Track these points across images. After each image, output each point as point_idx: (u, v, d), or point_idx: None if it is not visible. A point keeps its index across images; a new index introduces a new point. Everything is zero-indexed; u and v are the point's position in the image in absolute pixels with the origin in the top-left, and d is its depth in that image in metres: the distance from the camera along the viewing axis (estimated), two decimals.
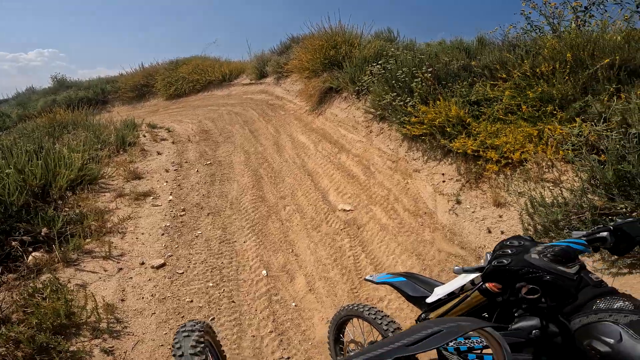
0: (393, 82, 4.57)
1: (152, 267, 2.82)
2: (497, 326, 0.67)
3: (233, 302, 2.60)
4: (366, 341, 1.69)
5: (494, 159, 2.95)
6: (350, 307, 1.63)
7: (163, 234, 3.26)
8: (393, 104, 4.30)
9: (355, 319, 1.73)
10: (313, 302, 2.59)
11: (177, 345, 1.18)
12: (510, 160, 2.93)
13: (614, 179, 2.14)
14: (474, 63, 4.39)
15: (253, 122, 6.81)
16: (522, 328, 0.94)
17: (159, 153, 5.21)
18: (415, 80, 4.33)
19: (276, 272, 2.90)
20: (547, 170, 2.75)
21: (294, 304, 2.57)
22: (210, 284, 2.74)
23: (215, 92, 10.98)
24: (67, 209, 3.43)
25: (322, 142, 5.01)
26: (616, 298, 0.60)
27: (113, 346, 2.09)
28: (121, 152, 5.00)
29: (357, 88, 5.44)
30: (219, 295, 2.65)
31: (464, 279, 1.13)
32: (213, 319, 2.44)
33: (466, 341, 1.07)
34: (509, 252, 0.75)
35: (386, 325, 1.54)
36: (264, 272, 2.88)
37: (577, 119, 2.82)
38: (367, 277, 1.60)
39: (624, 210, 2.16)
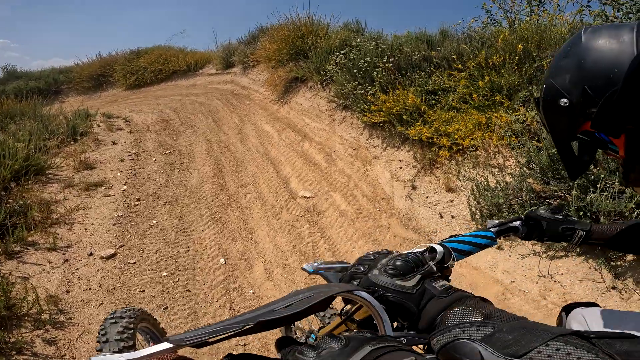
0: (355, 71, 4.62)
1: (102, 257, 2.72)
2: (364, 290, 0.60)
3: (188, 290, 2.56)
4: (307, 330, 1.65)
5: (446, 146, 3.07)
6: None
7: (115, 224, 3.14)
8: (354, 93, 4.34)
9: None
10: (271, 289, 2.60)
11: (103, 332, 1.14)
12: (461, 147, 3.05)
13: (548, 163, 2.29)
14: (433, 54, 4.51)
15: (217, 112, 6.66)
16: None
17: (114, 143, 4.99)
18: (377, 69, 4.40)
19: (235, 260, 2.88)
20: (493, 156, 2.89)
21: (251, 291, 2.57)
22: (165, 274, 2.68)
23: (179, 82, 10.65)
24: (10, 201, 3.23)
25: (286, 131, 4.99)
26: (465, 309, 0.53)
27: (56, 337, 2.01)
28: (72, 142, 4.74)
29: (321, 78, 5.45)
30: (173, 284, 2.60)
31: None
32: (166, 308, 2.39)
33: None
34: (361, 269, 0.67)
35: (323, 312, 1.55)
36: (222, 260, 2.85)
37: (522, 108, 2.98)
38: (304, 266, 1.59)
39: (558, 193, 2.32)
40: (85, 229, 3.03)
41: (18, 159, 3.58)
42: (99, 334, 1.14)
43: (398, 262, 0.62)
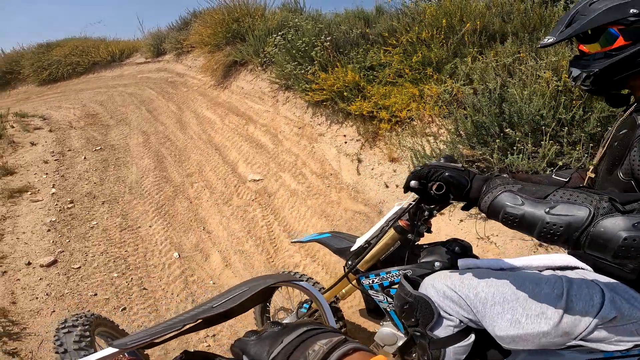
0: (294, 52, 4.59)
1: (41, 265, 2.55)
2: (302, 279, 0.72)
3: (145, 289, 2.48)
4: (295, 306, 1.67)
5: (385, 119, 3.24)
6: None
7: (49, 230, 2.90)
8: (295, 73, 4.34)
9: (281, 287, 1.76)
10: (231, 277, 2.59)
11: (58, 343, 1.10)
12: (399, 119, 3.24)
13: (473, 129, 2.53)
14: (368, 31, 4.63)
15: (151, 102, 6.25)
16: (427, 261, 1.13)
17: (33, 144, 4.49)
18: (315, 49, 4.42)
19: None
20: (428, 125, 3.12)
21: (212, 282, 2.55)
22: (115, 275, 2.56)
23: (103, 74, 9.80)
24: None
25: (229, 116, 4.86)
26: (501, 177, 0.77)
27: (16, 347, 1.91)
28: None
29: (261, 60, 5.35)
30: (127, 284, 2.50)
31: (380, 223, 1.24)
32: (124, 309, 2.31)
33: (387, 275, 1.16)
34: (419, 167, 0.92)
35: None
36: (176, 254, 2.78)
37: (449, 80, 3.22)
38: (293, 240, 1.68)
39: (483, 156, 2.57)
40: (18, 238, 2.78)
41: None
42: (54, 344, 1.10)
43: (448, 154, 0.92)
